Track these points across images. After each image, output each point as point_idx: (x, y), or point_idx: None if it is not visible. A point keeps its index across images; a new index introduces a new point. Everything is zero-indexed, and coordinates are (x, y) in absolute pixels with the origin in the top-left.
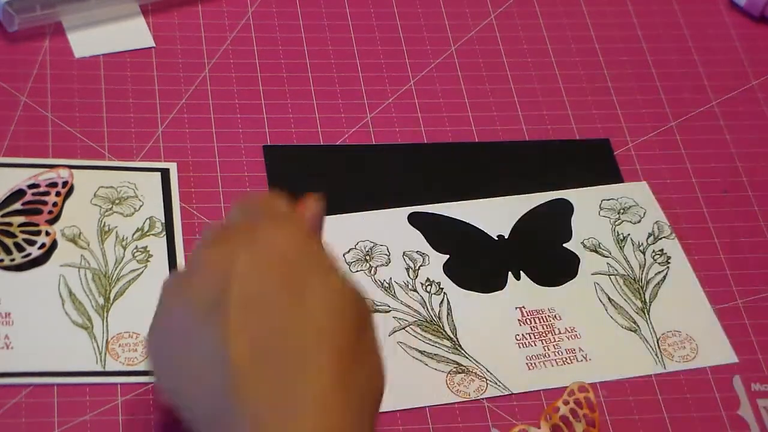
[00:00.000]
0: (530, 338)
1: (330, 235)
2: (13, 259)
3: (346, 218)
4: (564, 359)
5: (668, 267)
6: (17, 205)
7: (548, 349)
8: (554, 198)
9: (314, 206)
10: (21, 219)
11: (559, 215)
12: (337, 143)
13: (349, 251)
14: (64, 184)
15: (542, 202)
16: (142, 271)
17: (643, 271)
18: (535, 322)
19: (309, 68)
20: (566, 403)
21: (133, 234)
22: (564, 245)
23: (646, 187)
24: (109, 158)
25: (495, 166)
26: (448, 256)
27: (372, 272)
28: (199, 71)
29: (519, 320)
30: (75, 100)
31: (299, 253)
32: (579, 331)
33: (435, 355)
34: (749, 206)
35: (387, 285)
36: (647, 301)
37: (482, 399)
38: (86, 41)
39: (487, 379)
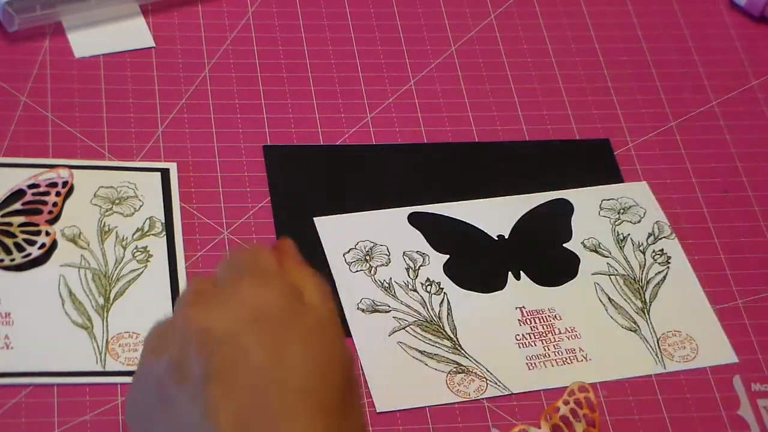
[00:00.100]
0: (530, 338)
1: (330, 235)
2: (13, 259)
3: (346, 218)
4: (564, 359)
5: (668, 267)
6: (17, 205)
7: (548, 349)
8: (554, 198)
9: (287, 245)
10: (21, 219)
11: (559, 215)
12: (337, 143)
13: (349, 251)
14: (64, 184)
15: (542, 202)
16: (142, 271)
17: (643, 271)
18: (535, 322)
19: (309, 68)
20: (566, 403)
21: (133, 234)
22: (564, 245)
23: (646, 187)
24: (109, 158)
25: (495, 166)
26: (448, 256)
27: (372, 272)
28: (199, 71)
29: (519, 320)
30: (75, 100)
31: (279, 310)
32: (579, 331)
33: (435, 355)
34: (749, 206)
35: (387, 285)
36: (647, 301)
37: (482, 399)
38: (86, 41)
39: (487, 379)
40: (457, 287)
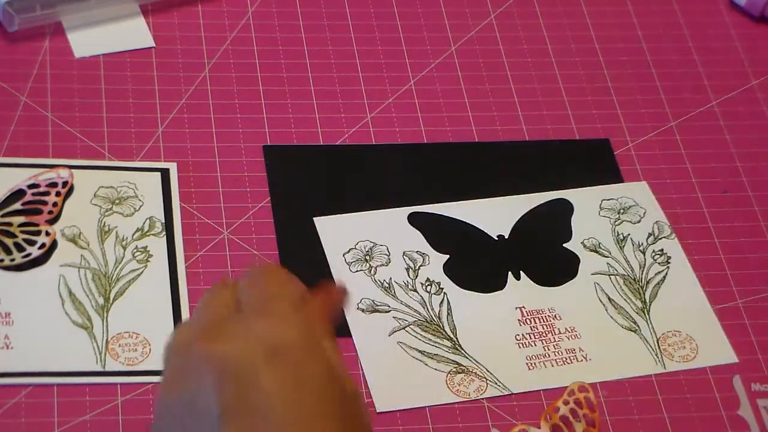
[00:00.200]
0: (530, 338)
1: (330, 235)
2: (13, 259)
3: (346, 218)
4: (564, 359)
5: (668, 267)
6: (17, 205)
7: (548, 349)
8: (554, 198)
9: (339, 298)
10: (21, 219)
11: (559, 215)
12: (337, 143)
13: (349, 251)
14: (64, 184)
15: (542, 202)
16: (142, 271)
17: (643, 271)
18: (535, 322)
19: (309, 68)
20: (566, 403)
21: (133, 234)
22: (564, 245)
23: (646, 187)
24: (109, 158)
25: (495, 166)
26: (448, 256)
27: (372, 272)
28: (199, 71)
29: (519, 320)
30: (75, 100)
31: (298, 348)
32: (579, 331)
33: (435, 355)
34: (749, 206)
35: (387, 285)
36: (647, 301)
37: (482, 399)
38: (86, 41)
39: (487, 379)
40: (457, 287)
